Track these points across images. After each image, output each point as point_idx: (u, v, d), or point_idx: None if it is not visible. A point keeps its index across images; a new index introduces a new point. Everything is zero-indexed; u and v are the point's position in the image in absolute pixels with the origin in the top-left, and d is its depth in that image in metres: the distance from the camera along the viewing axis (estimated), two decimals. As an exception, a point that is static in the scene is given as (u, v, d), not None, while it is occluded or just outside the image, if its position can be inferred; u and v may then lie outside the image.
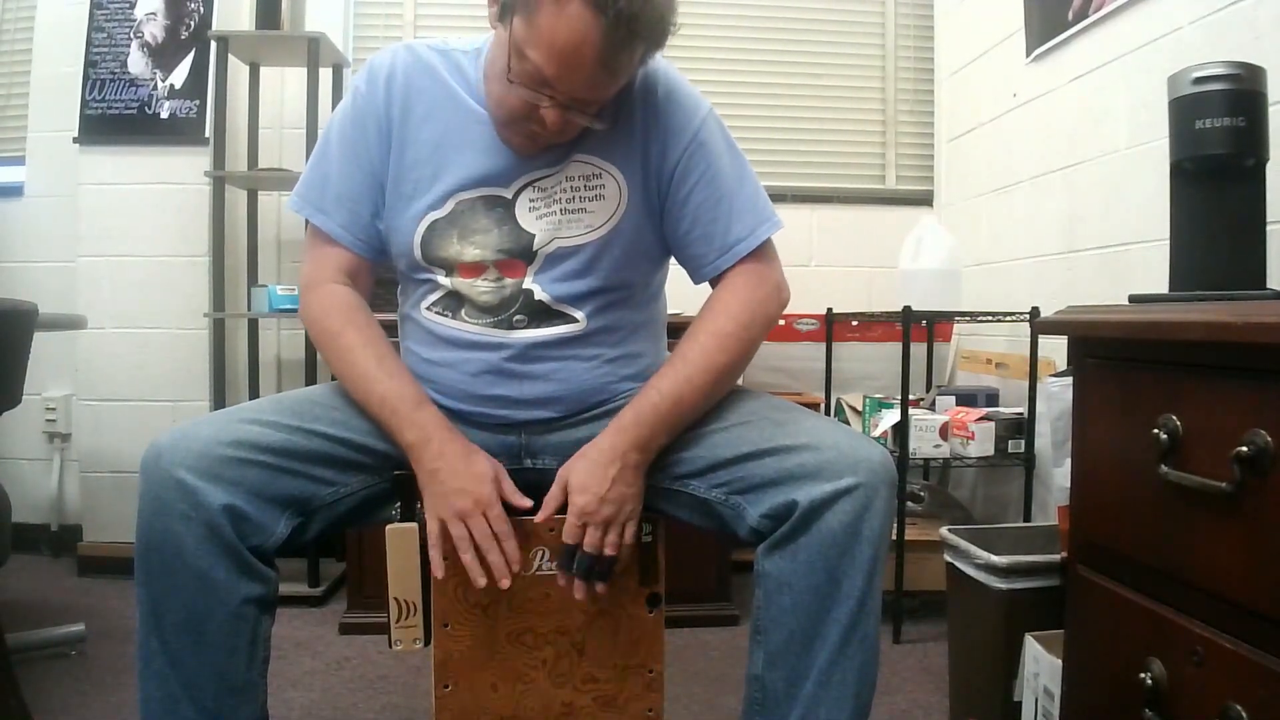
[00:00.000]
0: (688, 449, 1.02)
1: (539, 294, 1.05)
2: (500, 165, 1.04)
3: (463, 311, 1.07)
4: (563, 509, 0.99)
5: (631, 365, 1.11)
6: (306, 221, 1.10)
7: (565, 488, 0.99)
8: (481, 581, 0.97)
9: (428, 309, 1.09)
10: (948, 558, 1.56)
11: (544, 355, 1.06)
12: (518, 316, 1.06)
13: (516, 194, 1.05)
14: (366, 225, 1.09)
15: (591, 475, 0.97)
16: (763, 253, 1.08)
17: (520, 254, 1.05)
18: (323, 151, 1.10)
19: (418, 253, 1.06)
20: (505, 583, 0.97)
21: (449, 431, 1.01)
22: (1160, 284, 1.23)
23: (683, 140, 1.05)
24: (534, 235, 1.04)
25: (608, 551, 0.97)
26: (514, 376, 1.06)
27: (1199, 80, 1.13)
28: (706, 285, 1.11)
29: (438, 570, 0.99)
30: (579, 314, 1.07)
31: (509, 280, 1.05)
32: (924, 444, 2.03)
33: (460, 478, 0.98)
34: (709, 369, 1.01)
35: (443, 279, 1.07)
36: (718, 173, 1.06)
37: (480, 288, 1.05)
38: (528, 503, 1.01)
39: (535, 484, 1.03)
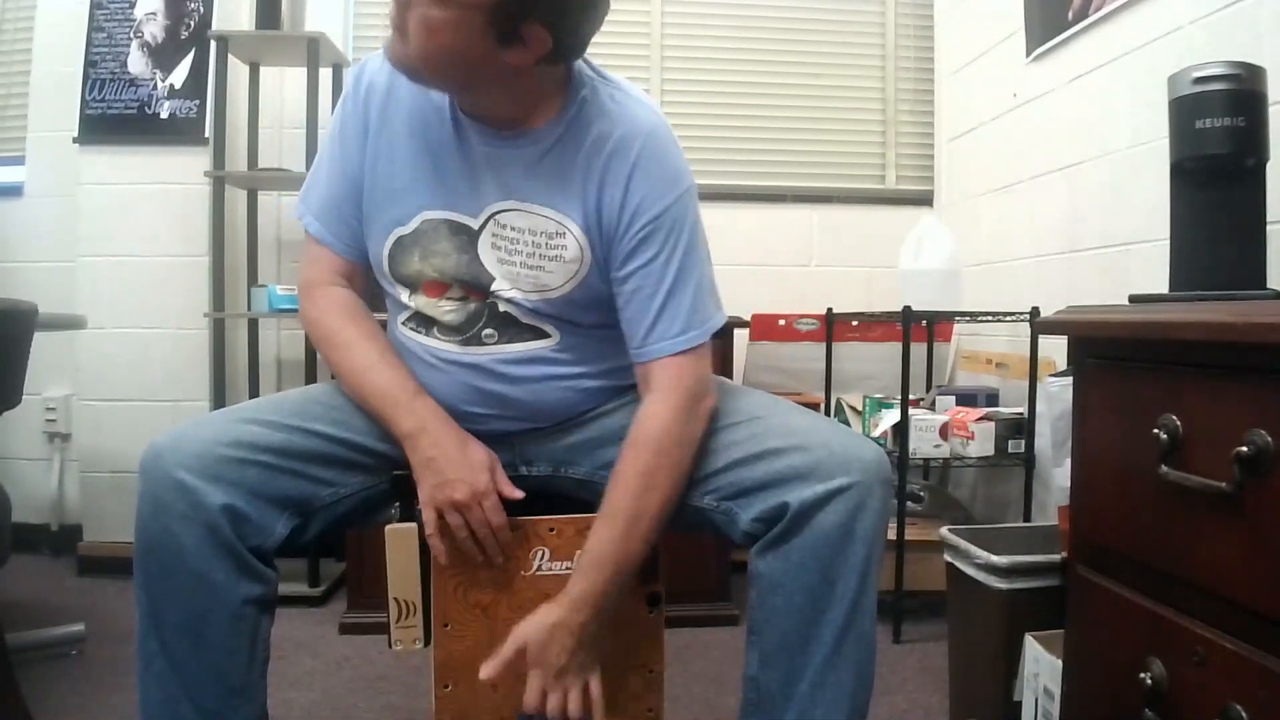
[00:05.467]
0: None
1: (504, 306, 1.02)
2: (468, 192, 1.01)
3: (434, 330, 1.05)
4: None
5: (617, 378, 1.08)
6: None
7: (520, 649, 0.95)
8: (480, 558, 0.99)
9: (403, 325, 1.07)
10: (948, 558, 1.56)
11: (518, 375, 1.03)
12: (486, 331, 1.03)
13: (482, 225, 1.01)
14: (353, 230, 1.07)
15: (545, 650, 0.94)
16: (687, 359, 0.99)
17: (479, 289, 1.02)
18: (319, 154, 1.09)
19: (385, 266, 1.05)
20: (499, 559, 1.00)
21: (445, 421, 1.01)
22: (1160, 284, 1.23)
23: (643, 217, 0.98)
24: (494, 278, 1.01)
25: (571, 713, 0.95)
26: (492, 395, 1.04)
27: (1199, 80, 1.13)
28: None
29: (441, 556, 0.99)
30: (551, 329, 1.04)
31: (473, 298, 1.03)
32: (924, 444, 2.03)
33: (456, 467, 0.98)
34: (642, 513, 0.95)
35: (407, 299, 1.05)
36: (667, 262, 0.99)
37: (445, 307, 1.03)
38: (519, 494, 1.01)
39: (530, 490, 1.02)
